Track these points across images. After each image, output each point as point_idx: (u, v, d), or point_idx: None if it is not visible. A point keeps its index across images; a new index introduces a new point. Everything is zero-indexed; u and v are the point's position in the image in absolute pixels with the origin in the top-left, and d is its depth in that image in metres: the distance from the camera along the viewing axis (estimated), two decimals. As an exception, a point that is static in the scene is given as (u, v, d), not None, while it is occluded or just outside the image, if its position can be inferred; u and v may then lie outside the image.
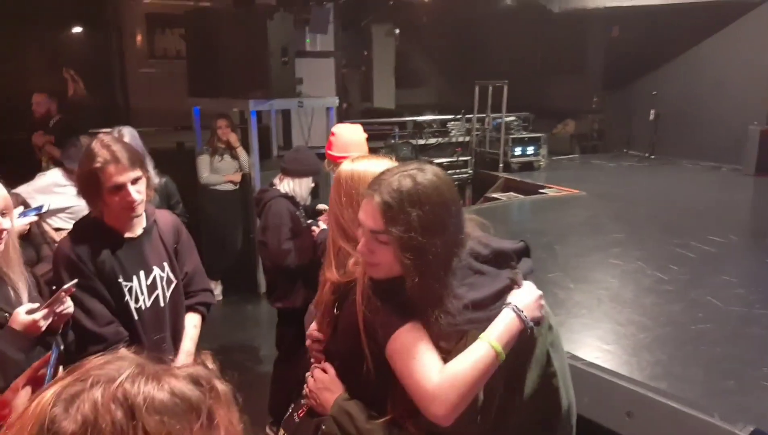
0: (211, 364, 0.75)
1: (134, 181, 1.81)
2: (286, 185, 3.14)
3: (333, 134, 2.90)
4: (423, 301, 1.29)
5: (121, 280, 1.86)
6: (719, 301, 4.22)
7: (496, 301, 1.30)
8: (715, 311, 4.07)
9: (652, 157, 10.11)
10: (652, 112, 10.02)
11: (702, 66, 9.89)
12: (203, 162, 5.23)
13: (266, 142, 5.92)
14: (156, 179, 3.29)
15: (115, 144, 1.83)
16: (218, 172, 5.24)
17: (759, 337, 3.76)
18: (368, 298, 1.38)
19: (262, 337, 4.60)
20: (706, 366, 3.35)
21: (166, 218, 2.07)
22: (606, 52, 10.88)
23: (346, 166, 1.61)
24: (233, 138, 5.25)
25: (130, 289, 1.89)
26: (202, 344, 4.34)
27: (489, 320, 1.27)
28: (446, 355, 1.26)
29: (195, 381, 0.68)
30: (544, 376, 1.31)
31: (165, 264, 1.97)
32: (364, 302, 1.38)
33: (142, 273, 1.91)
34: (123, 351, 0.70)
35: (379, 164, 1.55)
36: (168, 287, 1.97)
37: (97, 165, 1.76)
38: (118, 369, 0.65)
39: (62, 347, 1.48)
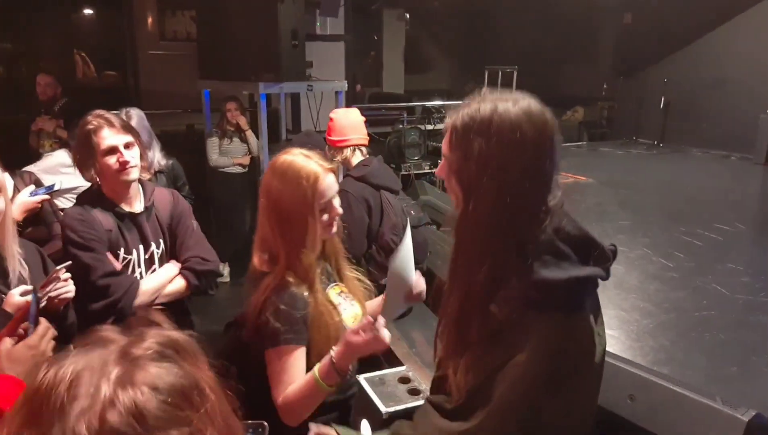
0: (161, 320, 0.70)
1: (127, 146, 1.88)
2: None
3: (331, 119, 2.90)
4: (471, 252, 1.12)
5: (121, 251, 1.92)
6: (724, 289, 4.24)
7: (566, 294, 1.06)
8: (720, 298, 4.09)
9: (661, 145, 10.06)
10: (662, 99, 9.95)
11: (713, 54, 9.80)
12: (212, 144, 5.26)
13: (275, 125, 5.94)
14: (163, 161, 3.33)
15: (109, 114, 1.91)
16: (227, 155, 5.28)
17: (763, 325, 3.77)
18: (270, 303, 1.48)
19: (269, 319, 4.66)
20: (710, 352, 3.38)
21: (163, 196, 2.12)
22: (618, 40, 10.78)
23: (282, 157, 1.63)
24: (243, 121, 5.28)
25: (129, 262, 1.94)
26: (211, 326, 4.43)
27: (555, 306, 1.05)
28: (498, 325, 1.08)
29: (161, 355, 0.61)
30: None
31: (161, 241, 2.03)
32: (265, 301, 1.50)
33: (141, 247, 1.97)
34: (72, 362, 0.59)
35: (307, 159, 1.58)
36: (162, 264, 2.04)
37: (91, 127, 1.86)
38: (91, 392, 0.56)
39: (41, 296, 1.45)
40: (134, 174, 1.91)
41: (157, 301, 1.94)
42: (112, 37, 7.76)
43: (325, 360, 1.48)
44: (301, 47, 5.12)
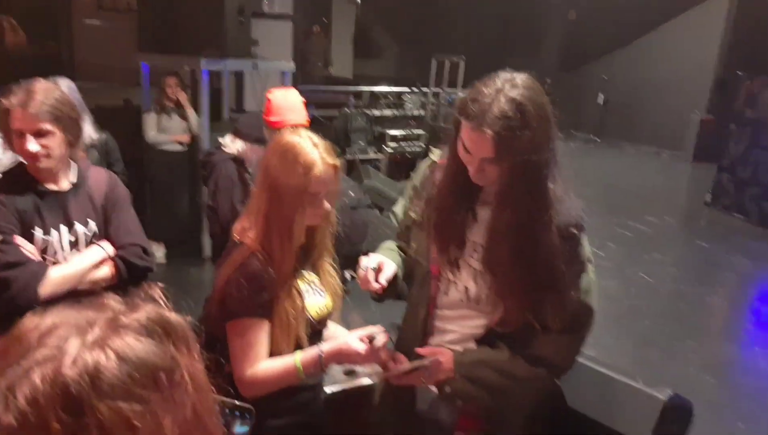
0: (159, 297, 0.67)
1: (39, 133, 1.71)
2: (238, 146, 3.06)
3: (269, 99, 2.84)
4: (541, 207, 1.35)
5: (35, 231, 1.78)
6: (651, 278, 4.45)
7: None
8: (646, 287, 4.30)
9: (599, 140, 10.42)
10: (601, 96, 10.30)
11: (650, 55, 10.21)
12: (150, 120, 5.07)
13: (217, 103, 5.79)
14: (95, 135, 3.17)
15: (38, 90, 1.73)
16: (165, 132, 5.09)
17: (685, 313, 4.00)
18: (236, 275, 1.48)
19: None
20: (635, 337, 3.56)
21: (99, 175, 1.97)
22: (562, 35, 11.06)
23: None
24: (183, 97, 5.11)
25: (48, 244, 1.80)
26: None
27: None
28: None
29: (148, 330, 0.59)
30: None
31: (90, 221, 1.87)
32: (232, 273, 1.50)
33: (64, 228, 1.82)
34: (59, 315, 0.59)
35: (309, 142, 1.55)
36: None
37: (5, 104, 1.70)
38: (59, 344, 0.55)
39: None
40: (45, 164, 1.75)
41: (79, 288, 1.79)
42: (45, 4, 7.34)
43: (313, 353, 1.49)
44: (247, 24, 4.99)
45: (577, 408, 2.08)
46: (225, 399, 0.83)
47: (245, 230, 1.57)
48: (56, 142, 1.75)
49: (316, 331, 1.61)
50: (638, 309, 3.95)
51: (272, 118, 2.74)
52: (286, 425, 1.63)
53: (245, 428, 0.91)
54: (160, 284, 0.69)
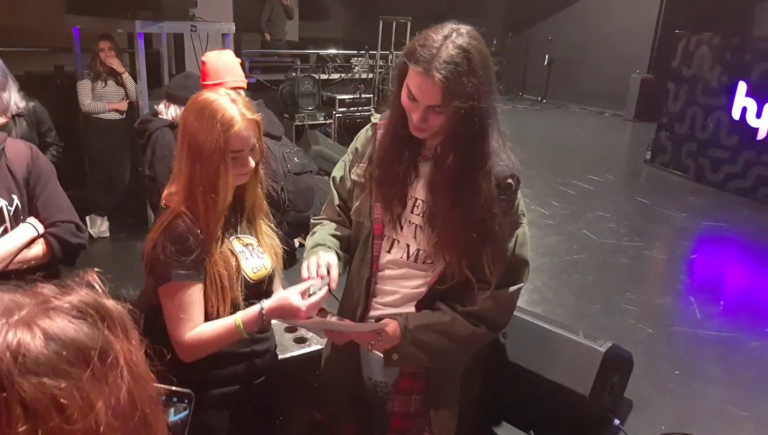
0: (96, 282, 0.64)
1: None
2: (172, 112, 2.94)
3: (204, 63, 2.73)
4: (482, 156, 1.38)
5: None
6: (593, 234, 4.60)
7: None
8: (588, 243, 4.44)
9: (544, 101, 10.57)
10: (546, 57, 10.40)
11: (593, 15, 10.33)
12: (84, 88, 4.82)
13: (156, 68, 5.54)
14: (22, 103, 2.99)
15: None
16: (102, 100, 4.87)
17: (625, 266, 4.15)
18: (162, 238, 1.45)
19: (153, 273, 4.47)
20: (577, 292, 3.68)
21: (18, 147, 1.84)
22: (508, -4, 11.06)
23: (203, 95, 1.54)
24: (117, 63, 4.87)
25: None
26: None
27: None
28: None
29: (81, 312, 0.57)
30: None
31: (14, 196, 1.76)
32: (157, 237, 1.46)
33: None
34: None
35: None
36: (16, 221, 1.76)
37: None
38: None
39: None
40: None
41: (9, 269, 1.69)
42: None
43: (254, 310, 1.48)
44: (182, -16, 4.77)
45: (518, 362, 2.15)
46: (161, 386, 0.80)
47: (171, 195, 1.52)
48: None
49: (254, 292, 1.57)
50: (580, 264, 4.09)
51: (209, 82, 2.65)
52: (231, 393, 1.62)
53: (183, 414, 0.87)
54: (96, 269, 0.65)
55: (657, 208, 5.43)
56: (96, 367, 0.55)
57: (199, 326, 1.48)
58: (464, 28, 1.36)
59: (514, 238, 1.47)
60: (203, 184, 1.46)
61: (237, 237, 1.59)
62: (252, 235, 1.64)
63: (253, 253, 1.61)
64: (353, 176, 1.60)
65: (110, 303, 0.61)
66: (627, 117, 9.35)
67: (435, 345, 1.47)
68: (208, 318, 1.50)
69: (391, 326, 1.47)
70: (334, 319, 1.55)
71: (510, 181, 1.44)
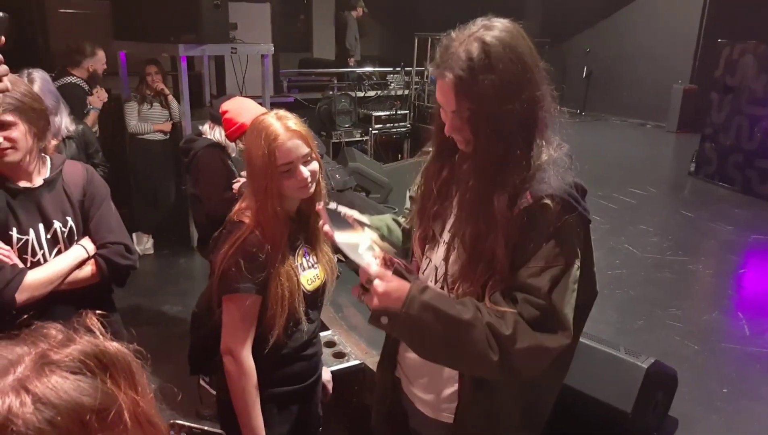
0: (96, 327, 0.61)
1: (1, 126, 1.67)
2: (217, 134, 3.04)
3: (226, 112, 2.82)
4: (501, 166, 1.20)
5: (14, 232, 1.74)
6: (635, 249, 4.50)
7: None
8: (630, 258, 4.34)
9: (583, 113, 10.42)
10: (585, 69, 10.27)
11: (632, 26, 10.18)
12: (131, 110, 5.02)
13: (198, 90, 5.72)
14: (71, 126, 3.13)
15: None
16: (147, 121, 5.05)
17: (669, 281, 4.04)
18: (235, 253, 1.56)
19: (194, 290, 4.57)
20: (620, 308, 3.60)
21: (75, 169, 1.92)
22: (543, 8, 10.99)
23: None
24: (163, 85, 5.06)
25: (26, 243, 1.76)
26: (135, 299, 4.29)
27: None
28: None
29: (81, 364, 0.55)
30: None
31: (68, 218, 1.83)
32: (231, 251, 1.57)
33: (41, 226, 1.78)
34: None
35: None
36: (70, 242, 1.84)
37: None
38: None
39: None
40: (12, 157, 1.70)
41: (60, 289, 1.76)
42: (16, -6, 7.18)
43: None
44: (224, 8, 4.92)
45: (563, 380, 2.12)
46: (194, 426, 0.80)
47: (242, 210, 1.65)
48: (20, 133, 1.71)
49: (310, 303, 1.71)
50: (622, 279, 4.00)
51: (233, 129, 2.75)
52: (284, 394, 1.74)
53: None
54: (98, 311, 0.64)
55: (702, 222, 5.28)
56: (94, 429, 0.52)
57: (250, 365, 1.62)
58: (498, 22, 1.22)
59: (549, 279, 1.18)
60: (263, 198, 1.58)
61: (299, 250, 1.70)
62: (311, 249, 1.74)
63: (308, 265, 1.72)
64: (411, 193, 1.60)
65: (113, 348, 0.58)
66: (669, 128, 9.13)
67: (432, 336, 1.20)
68: (266, 326, 1.62)
69: (394, 288, 1.21)
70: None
71: (547, 201, 1.18)
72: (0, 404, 0.50)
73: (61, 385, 0.53)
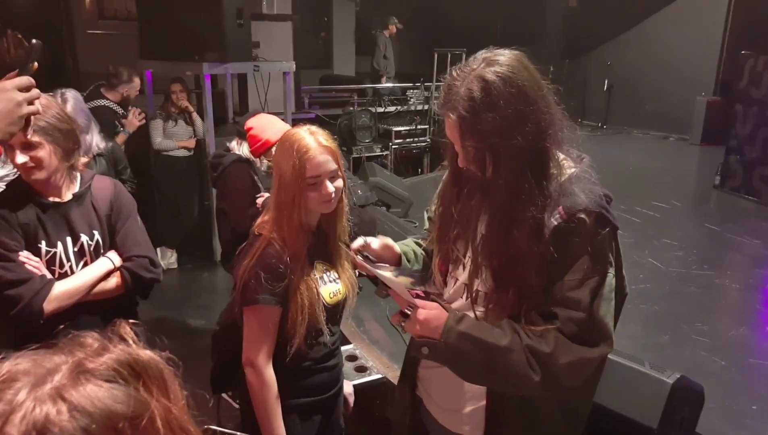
0: (129, 335, 0.63)
1: (27, 147, 1.71)
2: (244, 149, 3.08)
3: (251, 128, 2.87)
4: (513, 199, 1.22)
5: (42, 245, 1.79)
6: (659, 263, 4.44)
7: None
8: (655, 272, 4.29)
9: (605, 127, 10.36)
10: (606, 82, 10.23)
11: (654, 38, 10.12)
12: (156, 127, 5.12)
13: (221, 107, 5.83)
14: (102, 144, 3.22)
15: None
16: (172, 138, 5.15)
17: (694, 295, 3.98)
18: (255, 265, 1.59)
19: (217, 304, 4.61)
20: (644, 322, 3.55)
21: (104, 184, 1.97)
22: (563, 23, 11.00)
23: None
24: (187, 103, 5.16)
25: (54, 255, 1.81)
26: (159, 312, 4.34)
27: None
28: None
29: (115, 373, 0.56)
30: None
31: (95, 232, 1.88)
32: (252, 263, 1.60)
33: (68, 239, 1.83)
34: (23, 361, 0.56)
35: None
36: (96, 255, 1.88)
37: None
38: (11, 398, 0.52)
39: None
40: (37, 175, 1.75)
41: (87, 299, 1.81)
42: (47, 16, 7.41)
43: None
44: (246, 27, 5.03)
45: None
46: (227, 432, 0.81)
47: (264, 223, 1.69)
48: (45, 153, 1.74)
49: (330, 316, 1.73)
50: (647, 293, 3.95)
51: (258, 145, 2.80)
52: (306, 405, 1.76)
53: None
54: (131, 320, 0.66)
55: (728, 235, 5.19)
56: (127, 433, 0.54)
57: (271, 376, 1.64)
58: (501, 55, 1.23)
59: (589, 291, 1.22)
60: (287, 210, 1.61)
61: (319, 263, 1.73)
62: (332, 264, 1.76)
63: (329, 280, 1.74)
64: (429, 214, 1.63)
65: (146, 356, 0.60)
66: (693, 141, 9.03)
67: (474, 365, 1.26)
68: (287, 336, 1.64)
69: (434, 316, 1.28)
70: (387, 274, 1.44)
71: (582, 216, 1.21)
72: (38, 412, 0.52)
73: (96, 393, 0.54)
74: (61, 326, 1.69)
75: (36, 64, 1.32)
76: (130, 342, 0.62)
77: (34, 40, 1.28)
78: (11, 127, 1.26)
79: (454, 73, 1.25)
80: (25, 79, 1.27)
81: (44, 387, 0.54)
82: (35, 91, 1.29)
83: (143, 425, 0.55)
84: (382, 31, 9.61)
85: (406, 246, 1.61)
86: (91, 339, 0.60)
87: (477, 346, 1.23)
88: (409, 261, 1.55)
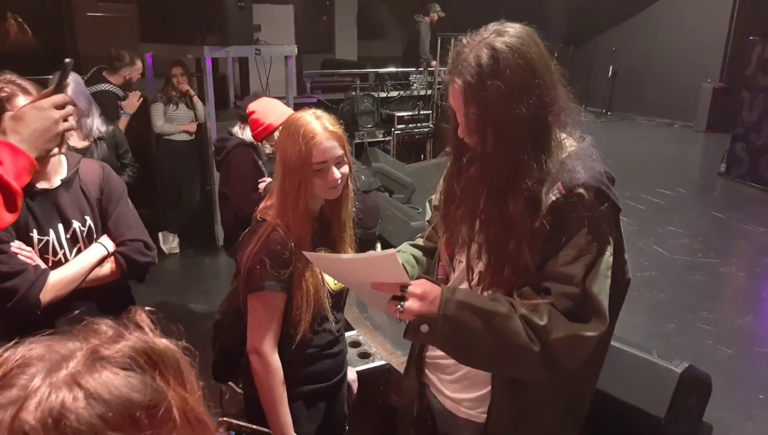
0: (146, 323, 0.62)
1: None
2: (247, 133, 3.04)
3: (252, 112, 2.81)
4: (510, 169, 1.21)
5: (34, 234, 1.74)
6: (665, 250, 4.41)
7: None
8: (660, 259, 4.25)
9: (609, 113, 10.28)
10: (611, 68, 10.13)
11: (659, 25, 10.01)
12: (157, 111, 5.08)
13: (223, 91, 5.77)
14: (103, 127, 3.17)
15: (23, 80, 1.67)
16: (173, 122, 5.11)
17: (699, 283, 3.96)
18: (259, 251, 1.56)
19: (219, 289, 4.59)
20: (650, 311, 3.52)
21: (91, 168, 1.91)
22: (568, 8, 10.87)
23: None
24: (188, 87, 5.11)
25: (46, 244, 1.76)
26: (159, 297, 4.32)
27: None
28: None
29: (131, 361, 0.55)
30: None
31: (87, 217, 1.83)
32: (256, 249, 1.57)
33: (60, 226, 1.78)
34: (38, 346, 0.55)
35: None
36: (90, 241, 1.84)
37: (3, 95, 1.62)
38: (26, 384, 0.51)
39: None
40: None
41: (82, 287, 1.77)
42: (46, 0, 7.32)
43: None
44: (248, 10, 4.96)
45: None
46: (243, 424, 0.78)
47: (267, 208, 1.66)
48: None
49: (335, 302, 1.72)
50: (652, 281, 3.92)
51: (260, 129, 2.75)
52: (311, 392, 1.75)
53: None
54: (147, 308, 0.64)
55: (733, 223, 5.15)
56: (145, 426, 0.52)
57: (277, 363, 1.62)
58: (510, 27, 1.22)
59: (583, 266, 1.19)
60: (292, 196, 1.57)
61: (323, 249, 1.69)
62: (336, 250, 1.73)
63: None
64: (434, 201, 1.59)
65: (162, 344, 0.59)
66: (698, 128, 8.96)
67: (474, 334, 1.20)
68: (292, 323, 1.63)
69: (429, 289, 1.24)
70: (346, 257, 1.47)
71: (581, 190, 1.19)
72: (54, 398, 0.50)
73: (112, 380, 0.53)
74: (77, 312, 1.66)
75: (68, 81, 1.37)
76: (147, 330, 0.61)
77: (67, 59, 1.31)
78: (49, 145, 1.29)
79: (464, 41, 1.24)
80: (61, 97, 1.31)
81: (59, 373, 0.52)
82: (70, 108, 1.34)
83: (160, 415, 0.54)
84: (424, 17, 9.42)
85: (404, 253, 1.57)
86: (106, 326, 0.59)
87: (476, 314, 1.20)
88: (412, 267, 1.52)
